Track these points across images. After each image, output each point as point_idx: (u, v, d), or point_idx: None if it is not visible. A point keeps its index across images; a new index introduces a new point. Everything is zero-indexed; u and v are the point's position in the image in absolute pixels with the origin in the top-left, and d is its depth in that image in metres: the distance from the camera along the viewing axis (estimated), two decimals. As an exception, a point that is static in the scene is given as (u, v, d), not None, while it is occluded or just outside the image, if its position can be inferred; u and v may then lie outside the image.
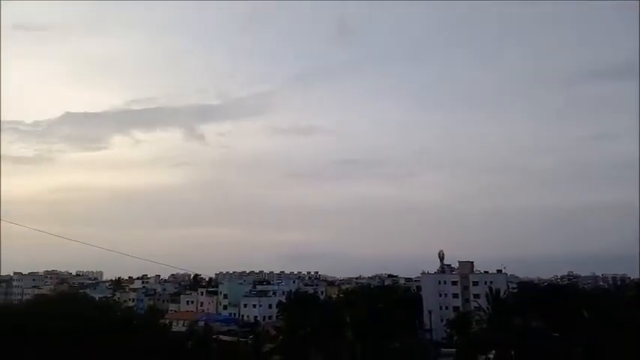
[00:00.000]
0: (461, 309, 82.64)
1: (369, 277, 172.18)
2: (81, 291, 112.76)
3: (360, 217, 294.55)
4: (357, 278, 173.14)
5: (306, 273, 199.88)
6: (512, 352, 47.23)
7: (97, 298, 69.44)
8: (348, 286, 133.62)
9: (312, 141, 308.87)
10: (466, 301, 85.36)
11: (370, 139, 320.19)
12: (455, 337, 66.08)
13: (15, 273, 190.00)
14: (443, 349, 60.10)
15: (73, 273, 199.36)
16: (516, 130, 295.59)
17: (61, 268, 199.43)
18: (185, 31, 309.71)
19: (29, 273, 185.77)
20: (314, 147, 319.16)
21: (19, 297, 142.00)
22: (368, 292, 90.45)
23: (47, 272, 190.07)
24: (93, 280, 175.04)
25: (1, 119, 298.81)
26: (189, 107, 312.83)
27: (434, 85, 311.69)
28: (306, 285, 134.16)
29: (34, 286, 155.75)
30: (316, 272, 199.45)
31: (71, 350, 33.75)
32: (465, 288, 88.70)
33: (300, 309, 70.23)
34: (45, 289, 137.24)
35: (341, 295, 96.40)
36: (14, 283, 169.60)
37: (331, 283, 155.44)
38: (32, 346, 33.00)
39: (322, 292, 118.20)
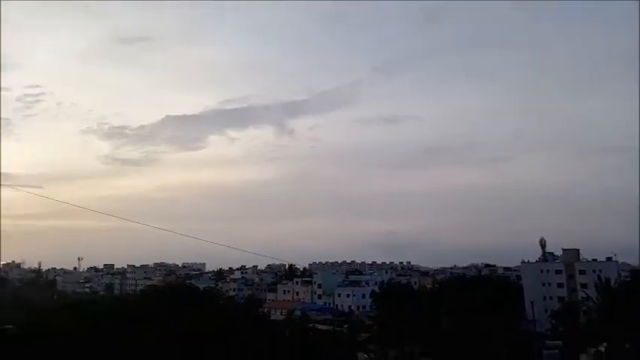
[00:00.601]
0: (566, 299, 77.91)
1: (464, 267, 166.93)
2: (187, 281, 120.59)
3: (453, 205, 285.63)
4: (451, 268, 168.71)
5: (398, 263, 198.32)
6: (627, 345, 43.74)
7: (202, 288, 73.82)
8: (442, 276, 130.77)
9: (399, 129, 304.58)
10: (572, 290, 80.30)
11: (459, 125, 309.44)
12: (560, 329, 62.43)
13: (128, 265, 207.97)
14: (547, 342, 57.03)
15: (180, 265, 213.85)
16: (618, 108, 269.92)
17: (169, 261, 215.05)
18: (271, 31, 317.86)
19: (141, 265, 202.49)
20: (401, 135, 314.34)
21: (133, 287, 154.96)
22: (464, 282, 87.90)
23: (156, 264, 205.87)
24: (197, 271, 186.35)
25: (111, 125, 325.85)
26: (279, 104, 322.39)
27: (524, 68, 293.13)
28: (398, 275, 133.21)
29: (146, 277, 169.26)
30: (408, 262, 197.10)
31: (182, 335, 36.37)
32: (571, 277, 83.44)
33: (394, 299, 70.03)
34: (155, 280, 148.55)
35: (436, 286, 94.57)
36: (128, 275, 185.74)
37: (424, 273, 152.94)
38: (148, 331, 36.00)
39: (415, 283, 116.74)
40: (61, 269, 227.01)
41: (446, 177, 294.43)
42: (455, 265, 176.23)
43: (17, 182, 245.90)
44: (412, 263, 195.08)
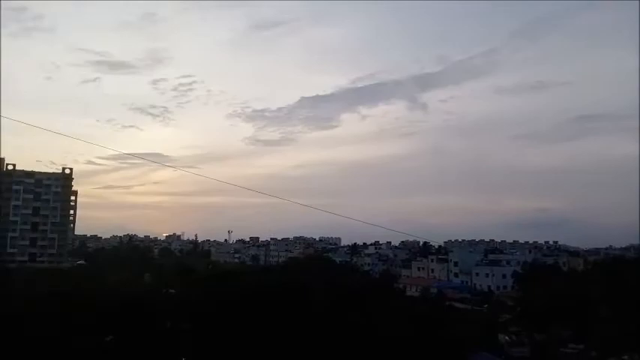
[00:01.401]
0: None
1: (622, 248, 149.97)
2: (324, 254, 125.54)
3: (608, 179, 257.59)
4: (606, 249, 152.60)
5: (543, 242, 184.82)
6: None
7: (338, 262, 76.45)
8: (595, 257, 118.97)
9: (543, 97, 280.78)
10: None
11: (615, 90, 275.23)
12: None
13: (271, 239, 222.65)
14: None
15: (317, 239, 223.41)
16: None
17: (307, 234, 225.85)
18: (399, 2, 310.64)
19: (282, 239, 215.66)
20: (546, 104, 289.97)
21: (276, 259, 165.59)
22: (622, 264, 79.03)
23: (296, 238, 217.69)
24: (333, 245, 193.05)
25: (253, 108, 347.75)
26: (410, 78, 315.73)
27: None
28: (544, 255, 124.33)
29: (287, 250, 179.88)
30: (555, 242, 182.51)
31: (323, 305, 38.10)
32: None
33: (539, 280, 65.68)
34: (295, 253, 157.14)
35: (588, 267, 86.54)
36: (271, 247, 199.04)
37: (574, 253, 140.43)
38: (294, 299, 38.34)
39: (564, 264, 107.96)
40: (214, 241, 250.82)
41: (601, 148, 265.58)
42: (610, 246, 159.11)
43: (175, 163, 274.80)
44: (559, 243, 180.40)
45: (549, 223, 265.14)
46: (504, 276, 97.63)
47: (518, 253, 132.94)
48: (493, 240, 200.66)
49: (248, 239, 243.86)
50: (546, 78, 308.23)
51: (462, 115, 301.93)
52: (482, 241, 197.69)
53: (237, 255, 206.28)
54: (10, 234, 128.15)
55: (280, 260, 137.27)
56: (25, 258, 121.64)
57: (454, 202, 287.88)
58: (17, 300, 34.63)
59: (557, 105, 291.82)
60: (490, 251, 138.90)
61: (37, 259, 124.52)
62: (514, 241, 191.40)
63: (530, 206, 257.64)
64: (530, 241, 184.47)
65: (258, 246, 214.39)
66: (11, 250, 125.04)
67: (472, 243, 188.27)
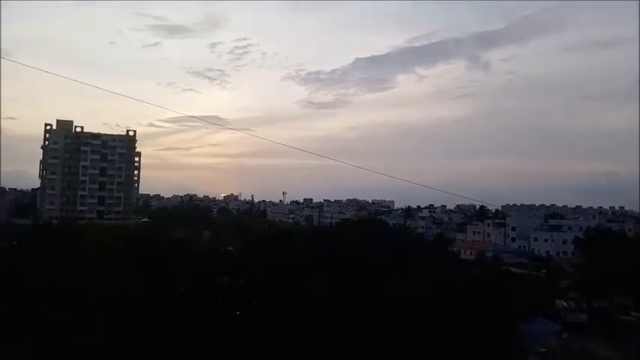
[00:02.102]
0: None
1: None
2: (377, 217, 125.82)
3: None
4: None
5: (608, 208, 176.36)
6: None
7: (391, 224, 76.53)
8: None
9: (614, 56, 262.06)
10: None
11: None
12: None
13: (324, 200, 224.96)
14: None
15: (370, 201, 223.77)
16: None
17: (360, 197, 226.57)
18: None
19: (335, 200, 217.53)
20: (617, 62, 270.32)
21: (329, 220, 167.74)
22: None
23: (349, 200, 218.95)
24: (386, 208, 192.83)
25: (307, 70, 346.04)
26: (471, 36, 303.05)
27: None
28: (609, 221, 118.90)
29: (339, 212, 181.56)
30: (621, 207, 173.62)
31: (371, 265, 38.55)
32: None
33: (603, 247, 63.20)
34: (348, 214, 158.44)
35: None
36: (324, 209, 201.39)
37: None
38: (346, 259, 39.05)
39: (630, 230, 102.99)
40: (270, 202, 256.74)
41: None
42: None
43: (232, 126, 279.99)
44: (626, 209, 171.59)
45: (616, 188, 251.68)
46: (565, 242, 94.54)
47: (580, 218, 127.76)
48: (554, 205, 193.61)
49: (302, 201, 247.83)
50: (620, 34, 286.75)
51: (525, 74, 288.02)
52: (542, 205, 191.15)
53: (291, 215, 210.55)
54: (80, 192, 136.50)
55: (333, 222, 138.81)
56: (94, 215, 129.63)
57: (514, 165, 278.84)
58: (91, 255, 37.17)
59: (629, 63, 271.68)
60: (551, 216, 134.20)
61: (105, 216, 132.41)
62: (577, 206, 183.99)
63: (596, 170, 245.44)
64: (595, 207, 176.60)
65: (312, 207, 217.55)
66: (81, 208, 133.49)
67: (532, 208, 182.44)
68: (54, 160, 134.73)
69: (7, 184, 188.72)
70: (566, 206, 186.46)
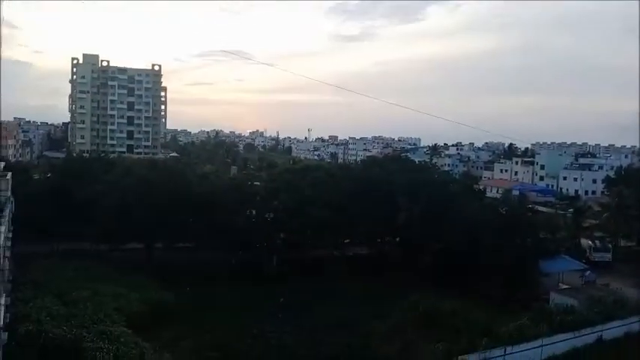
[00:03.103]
0: None
1: None
2: (402, 154, 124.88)
3: None
4: None
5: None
6: None
7: (417, 162, 75.71)
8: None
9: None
10: None
11: None
12: None
13: (350, 137, 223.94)
14: None
15: (396, 139, 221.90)
16: None
17: (386, 134, 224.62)
18: None
19: (360, 138, 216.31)
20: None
21: (354, 157, 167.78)
22: None
23: (375, 137, 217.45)
24: (412, 146, 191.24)
25: (334, 1, 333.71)
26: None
27: None
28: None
29: (365, 149, 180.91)
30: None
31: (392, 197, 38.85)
32: None
33: (633, 186, 61.88)
34: (373, 152, 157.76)
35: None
36: (350, 146, 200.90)
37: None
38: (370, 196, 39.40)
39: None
40: (295, 138, 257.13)
41: None
42: None
43: (255, 59, 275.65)
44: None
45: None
46: (594, 181, 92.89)
47: (612, 157, 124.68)
48: (586, 143, 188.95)
49: (327, 138, 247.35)
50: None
51: (567, 7, 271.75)
52: (573, 144, 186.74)
53: (316, 152, 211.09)
54: (109, 127, 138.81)
55: (358, 159, 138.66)
56: (124, 149, 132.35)
57: (549, 102, 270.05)
58: (124, 186, 38.32)
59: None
60: (582, 155, 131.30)
61: (135, 150, 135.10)
62: (609, 145, 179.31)
63: (632, 108, 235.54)
64: (628, 146, 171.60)
65: (337, 144, 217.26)
66: (111, 142, 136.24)
67: (562, 146, 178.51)
68: (82, 94, 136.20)
69: (39, 118, 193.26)
70: (599, 145, 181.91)
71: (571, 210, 58.01)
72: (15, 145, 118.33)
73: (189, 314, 29.90)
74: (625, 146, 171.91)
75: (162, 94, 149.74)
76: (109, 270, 34.10)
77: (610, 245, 48.87)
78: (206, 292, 33.90)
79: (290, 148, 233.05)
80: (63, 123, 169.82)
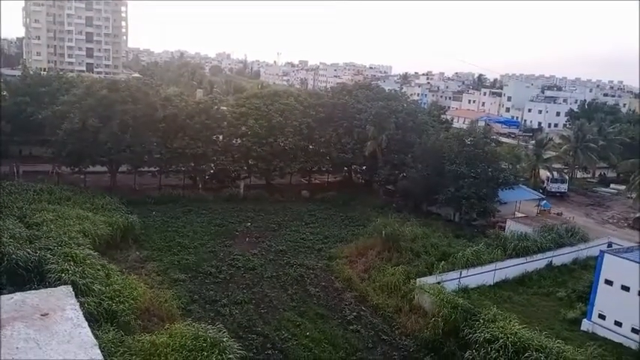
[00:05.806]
0: None
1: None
2: (373, 82, 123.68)
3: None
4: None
5: (607, 82, 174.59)
6: None
7: (387, 90, 75.22)
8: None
9: None
10: None
11: None
12: None
13: (321, 63, 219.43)
14: None
15: (367, 66, 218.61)
16: None
17: (357, 61, 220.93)
18: None
19: (331, 64, 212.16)
20: None
21: (325, 84, 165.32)
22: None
23: (346, 64, 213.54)
24: (383, 74, 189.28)
25: None
26: None
27: None
28: (605, 95, 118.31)
29: (335, 76, 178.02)
30: (620, 82, 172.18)
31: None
32: None
33: (594, 120, 63.68)
34: (344, 79, 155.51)
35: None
36: (320, 72, 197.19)
37: (639, 96, 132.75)
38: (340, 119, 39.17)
39: (624, 105, 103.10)
40: (263, 62, 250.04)
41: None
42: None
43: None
44: (624, 83, 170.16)
45: (618, 61, 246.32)
46: (558, 114, 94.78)
47: (578, 90, 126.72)
48: (553, 76, 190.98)
49: (297, 62, 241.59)
50: None
51: None
52: (541, 76, 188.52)
53: (285, 78, 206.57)
54: (67, 44, 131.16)
55: (328, 86, 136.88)
56: (83, 68, 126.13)
57: (514, 31, 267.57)
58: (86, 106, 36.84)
59: None
60: (548, 87, 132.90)
61: (94, 69, 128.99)
62: (576, 78, 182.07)
63: (599, 41, 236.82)
64: (594, 80, 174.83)
65: (307, 70, 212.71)
66: (69, 60, 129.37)
67: (531, 78, 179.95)
68: (37, 7, 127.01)
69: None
70: (566, 78, 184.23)
71: (533, 142, 59.53)
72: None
73: (155, 237, 30.14)
74: (590, 80, 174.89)
75: (123, 9, 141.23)
76: (73, 193, 33.57)
77: (567, 177, 50.90)
78: (172, 215, 34.08)
79: (258, 72, 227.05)
80: (17, 38, 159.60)
